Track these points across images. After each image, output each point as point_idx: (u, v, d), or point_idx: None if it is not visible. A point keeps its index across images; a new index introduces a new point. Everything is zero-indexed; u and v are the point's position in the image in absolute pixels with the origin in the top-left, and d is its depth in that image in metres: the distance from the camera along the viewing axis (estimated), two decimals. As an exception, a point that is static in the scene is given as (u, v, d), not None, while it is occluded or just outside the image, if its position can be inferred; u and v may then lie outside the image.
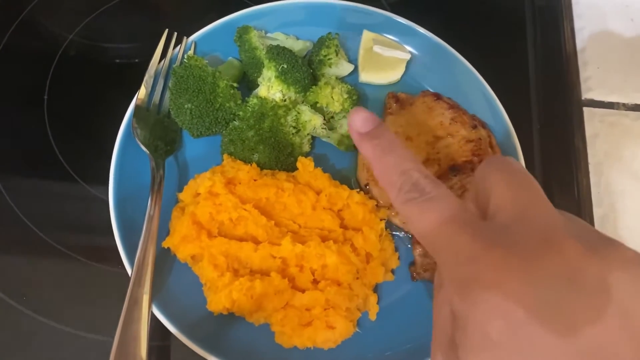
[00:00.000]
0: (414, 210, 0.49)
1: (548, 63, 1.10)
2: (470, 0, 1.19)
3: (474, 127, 0.91)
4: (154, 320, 0.76)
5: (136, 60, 1.09)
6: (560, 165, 1.00)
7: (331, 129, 0.92)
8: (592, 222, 0.95)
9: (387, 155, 0.53)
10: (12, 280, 0.85)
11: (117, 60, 1.09)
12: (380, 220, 0.85)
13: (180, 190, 0.87)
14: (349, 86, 0.94)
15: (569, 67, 1.09)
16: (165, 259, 0.82)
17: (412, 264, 0.85)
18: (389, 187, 0.52)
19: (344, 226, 0.84)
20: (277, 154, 0.86)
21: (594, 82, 1.07)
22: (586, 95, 1.06)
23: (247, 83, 0.97)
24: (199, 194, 0.83)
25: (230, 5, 1.09)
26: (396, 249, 0.86)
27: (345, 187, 0.85)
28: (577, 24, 1.13)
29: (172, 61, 0.95)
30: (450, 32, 1.01)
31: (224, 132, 0.88)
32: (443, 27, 1.02)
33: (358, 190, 0.86)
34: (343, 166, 0.93)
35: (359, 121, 0.56)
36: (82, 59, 1.08)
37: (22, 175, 0.95)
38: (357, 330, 0.79)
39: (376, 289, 0.83)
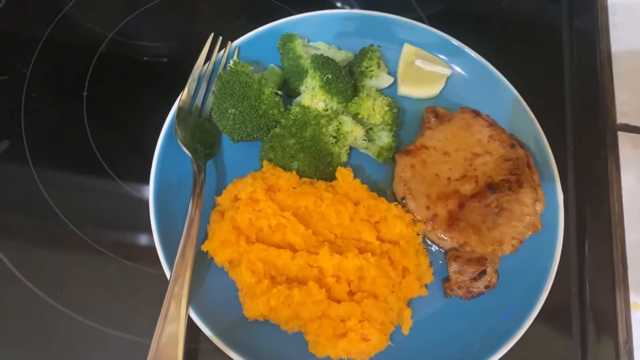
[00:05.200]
0: None
1: (584, 85, 1.10)
2: (508, 18, 1.20)
3: (512, 146, 0.92)
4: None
5: (174, 60, 1.10)
6: (594, 188, 1.00)
7: (370, 140, 0.92)
8: (623, 247, 0.95)
9: None
10: (47, 276, 0.86)
11: (156, 60, 1.10)
12: (417, 234, 0.85)
13: (218, 193, 0.87)
14: (389, 99, 0.94)
15: (604, 91, 1.10)
16: (201, 262, 0.82)
17: (446, 280, 0.85)
18: None
19: (380, 238, 0.84)
20: (317, 163, 0.86)
21: (629, 107, 1.07)
22: (621, 119, 1.06)
23: (287, 90, 0.97)
24: (238, 199, 0.83)
25: (264, 10, 1.11)
26: (430, 264, 0.86)
27: (383, 199, 0.85)
28: (614, 47, 1.14)
29: (215, 65, 0.95)
30: (485, 48, 1.02)
31: (264, 138, 0.89)
32: (478, 43, 1.02)
33: (396, 204, 0.86)
34: (379, 178, 0.94)
35: None
36: (121, 57, 1.09)
37: (60, 170, 0.95)
38: (390, 343, 0.79)
39: (409, 303, 0.83)
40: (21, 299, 0.84)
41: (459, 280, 0.83)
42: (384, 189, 0.93)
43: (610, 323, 0.89)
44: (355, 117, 0.92)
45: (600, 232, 0.96)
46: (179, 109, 0.89)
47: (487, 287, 0.83)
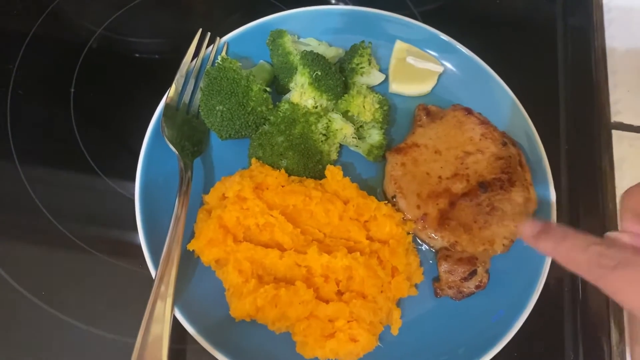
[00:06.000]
0: (620, 284, 0.49)
1: (578, 83, 1.09)
2: (502, 15, 1.19)
3: (504, 144, 0.90)
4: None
5: (163, 57, 1.08)
6: (587, 187, 0.99)
7: (360, 138, 0.91)
8: (617, 247, 0.94)
9: (564, 242, 0.55)
10: (32, 275, 0.84)
11: (145, 56, 1.09)
12: (407, 234, 0.84)
13: (205, 191, 0.86)
14: (380, 96, 0.93)
15: (598, 89, 1.08)
16: (188, 261, 0.81)
17: (437, 279, 0.84)
18: (577, 267, 0.53)
19: (369, 238, 0.83)
20: (306, 160, 0.85)
21: (623, 105, 1.06)
22: (615, 118, 1.05)
23: (276, 87, 0.96)
24: (225, 197, 0.82)
25: (257, 7, 1.09)
26: (420, 264, 0.85)
27: (373, 198, 0.84)
28: (609, 45, 1.13)
29: (203, 61, 0.94)
30: (479, 46, 1.01)
31: (253, 136, 0.88)
32: (472, 40, 1.01)
33: (386, 202, 0.85)
34: (369, 176, 0.93)
35: (529, 228, 0.60)
36: (110, 53, 1.07)
37: (46, 168, 0.94)
38: (379, 344, 0.78)
39: (399, 303, 0.82)
40: (5, 298, 0.83)
41: (450, 280, 0.82)
42: (374, 188, 0.91)
43: (602, 323, 0.88)
44: (345, 114, 0.90)
45: (594, 232, 0.94)
46: (166, 105, 0.88)
47: (477, 287, 0.82)
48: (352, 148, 0.92)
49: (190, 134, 0.89)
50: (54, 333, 0.81)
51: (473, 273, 0.82)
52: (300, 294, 0.75)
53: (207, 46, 0.96)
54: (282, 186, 0.83)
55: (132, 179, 0.85)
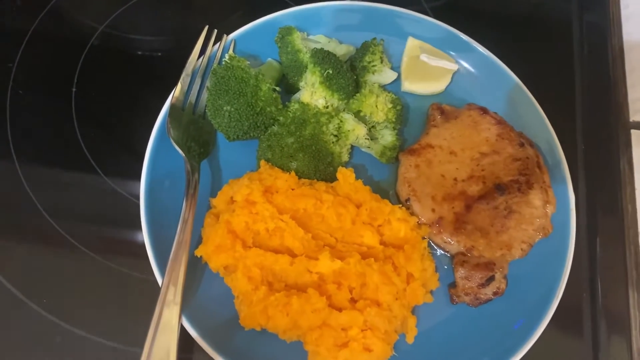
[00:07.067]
0: None
1: (595, 82, 1.06)
2: (515, 11, 1.15)
3: (521, 145, 0.87)
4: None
5: (168, 55, 1.05)
6: (605, 189, 0.96)
7: (372, 139, 0.88)
8: (637, 249, 0.91)
9: None
10: (34, 282, 0.82)
11: (148, 54, 1.06)
12: (422, 238, 0.81)
13: (213, 194, 0.83)
14: (393, 95, 0.90)
15: (616, 88, 1.05)
16: (195, 268, 0.78)
17: (453, 286, 0.82)
18: None
19: (383, 243, 0.80)
20: (317, 162, 0.82)
21: (642, 104, 1.03)
22: (634, 117, 1.02)
23: (285, 86, 0.93)
24: (234, 201, 0.79)
25: (264, 3, 1.06)
26: (436, 270, 0.82)
27: (386, 201, 0.82)
28: (627, 42, 1.09)
29: (210, 60, 0.91)
30: (491, 42, 0.97)
31: (262, 137, 0.85)
32: (485, 37, 0.98)
33: (400, 206, 0.82)
34: (381, 178, 0.90)
35: None
36: (113, 51, 1.04)
37: (47, 169, 0.91)
38: (394, 354, 0.75)
39: (414, 310, 0.79)
40: (5, 306, 0.80)
41: (466, 286, 0.79)
42: (387, 190, 0.89)
43: (623, 328, 0.86)
44: (357, 114, 0.87)
45: (613, 235, 0.92)
46: (172, 106, 0.85)
47: (495, 293, 0.79)
48: (364, 149, 0.89)
49: (196, 135, 0.86)
50: (56, 342, 0.78)
51: (490, 279, 0.79)
52: (312, 302, 0.72)
53: (214, 44, 0.93)
54: (292, 189, 0.80)
55: (136, 180, 0.83)
